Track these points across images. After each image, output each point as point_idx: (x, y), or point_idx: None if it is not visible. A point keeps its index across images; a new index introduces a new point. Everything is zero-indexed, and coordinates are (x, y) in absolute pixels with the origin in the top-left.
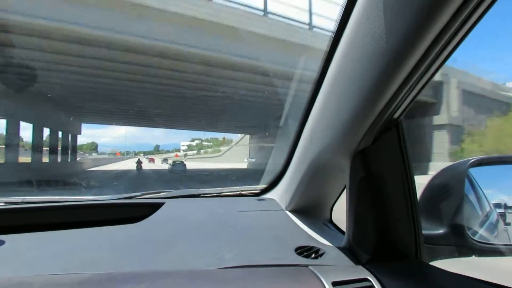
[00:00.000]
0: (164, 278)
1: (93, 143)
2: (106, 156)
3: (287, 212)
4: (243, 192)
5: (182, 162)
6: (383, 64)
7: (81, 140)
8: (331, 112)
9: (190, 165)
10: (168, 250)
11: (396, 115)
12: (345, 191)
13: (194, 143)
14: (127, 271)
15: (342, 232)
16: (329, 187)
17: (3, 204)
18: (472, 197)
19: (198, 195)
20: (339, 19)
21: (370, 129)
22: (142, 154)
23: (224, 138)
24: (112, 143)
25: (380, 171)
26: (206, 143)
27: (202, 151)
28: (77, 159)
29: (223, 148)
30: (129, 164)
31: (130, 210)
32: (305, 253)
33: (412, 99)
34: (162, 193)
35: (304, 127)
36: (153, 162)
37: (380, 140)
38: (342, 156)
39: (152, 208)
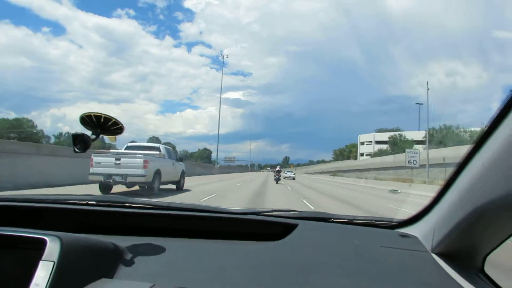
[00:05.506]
0: None
1: (205, 149)
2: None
3: (433, 255)
4: (376, 222)
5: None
6: None
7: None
8: None
9: None
10: (309, 280)
11: None
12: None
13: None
14: None
15: (498, 287)
16: (490, 233)
17: (148, 206)
18: None
19: (328, 219)
20: None
21: None
22: (268, 168)
23: None
24: (242, 156)
25: None
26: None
27: None
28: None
29: None
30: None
31: (264, 226)
32: None
33: None
34: (292, 212)
35: (472, 161)
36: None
37: None
38: None
39: (285, 228)
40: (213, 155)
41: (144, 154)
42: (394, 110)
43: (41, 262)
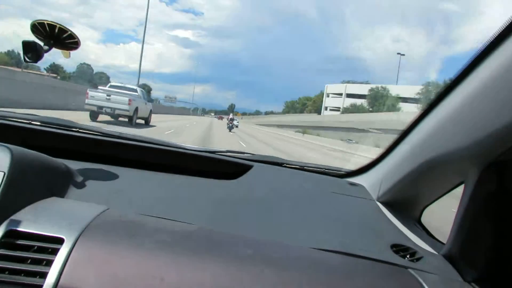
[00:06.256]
0: (265, 249)
1: (144, 85)
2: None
3: (378, 203)
4: (327, 170)
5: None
6: None
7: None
8: (474, 109)
9: None
10: (263, 217)
11: None
12: (448, 194)
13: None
14: (228, 230)
15: (432, 237)
16: (433, 187)
17: (102, 135)
18: None
19: (281, 164)
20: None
21: None
22: (213, 113)
23: None
24: (186, 98)
25: None
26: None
27: None
28: None
29: None
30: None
31: (218, 165)
32: (401, 253)
33: None
34: (246, 154)
35: (425, 119)
36: (221, 120)
37: None
38: (469, 162)
39: (240, 168)
40: (156, 94)
41: (128, 94)
42: (340, 70)
43: None
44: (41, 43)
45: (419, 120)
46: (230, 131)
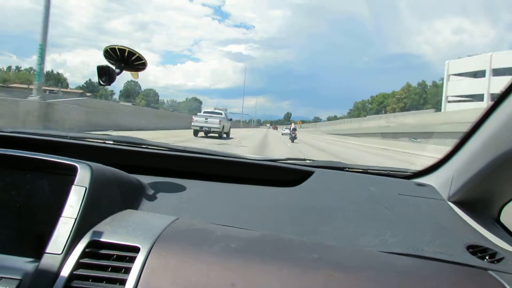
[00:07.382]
0: (332, 253)
1: (194, 99)
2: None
3: (449, 203)
4: (391, 172)
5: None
6: None
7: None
8: None
9: None
10: (326, 222)
11: None
12: None
13: None
14: (291, 236)
15: None
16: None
17: (175, 151)
18: None
19: (343, 168)
20: None
21: None
22: (268, 124)
23: None
24: (240, 111)
25: None
26: None
27: None
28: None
29: None
30: None
31: (279, 173)
32: (479, 254)
33: None
34: (306, 161)
35: (502, 105)
36: (276, 129)
37: None
38: None
39: (302, 174)
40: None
41: (218, 116)
42: (398, 68)
43: (73, 187)
44: (113, 67)
45: (492, 109)
46: (292, 141)
